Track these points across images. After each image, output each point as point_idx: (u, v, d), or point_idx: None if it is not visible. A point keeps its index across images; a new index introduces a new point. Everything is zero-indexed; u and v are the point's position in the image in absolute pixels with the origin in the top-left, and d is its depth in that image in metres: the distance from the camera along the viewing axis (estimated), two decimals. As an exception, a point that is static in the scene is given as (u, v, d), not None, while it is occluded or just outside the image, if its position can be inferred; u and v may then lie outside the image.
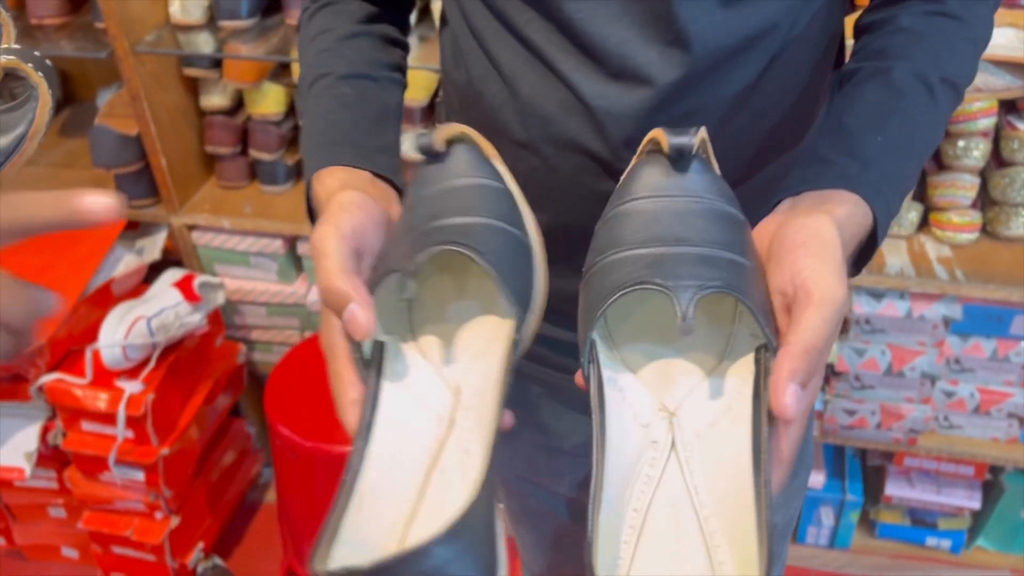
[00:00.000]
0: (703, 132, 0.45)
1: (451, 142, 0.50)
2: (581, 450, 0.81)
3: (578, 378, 0.45)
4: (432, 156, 0.49)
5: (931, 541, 1.70)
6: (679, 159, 0.44)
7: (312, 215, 0.58)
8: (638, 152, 0.47)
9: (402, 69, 0.68)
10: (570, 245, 0.63)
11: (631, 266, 0.42)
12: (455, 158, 0.49)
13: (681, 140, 0.44)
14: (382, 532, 0.39)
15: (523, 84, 0.59)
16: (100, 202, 0.39)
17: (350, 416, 0.45)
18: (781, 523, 0.82)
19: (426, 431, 0.44)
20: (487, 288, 0.49)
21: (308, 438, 1.35)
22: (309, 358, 1.50)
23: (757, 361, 0.43)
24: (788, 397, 0.39)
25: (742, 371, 0.44)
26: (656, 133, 0.45)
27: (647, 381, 0.45)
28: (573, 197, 0.60)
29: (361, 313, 0.43)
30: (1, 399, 1.45)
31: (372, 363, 0.45)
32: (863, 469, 1.73)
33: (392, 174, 0.57)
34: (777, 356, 0.40)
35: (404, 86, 0.67)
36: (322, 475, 1.38)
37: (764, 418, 0.40)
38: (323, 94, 0.61)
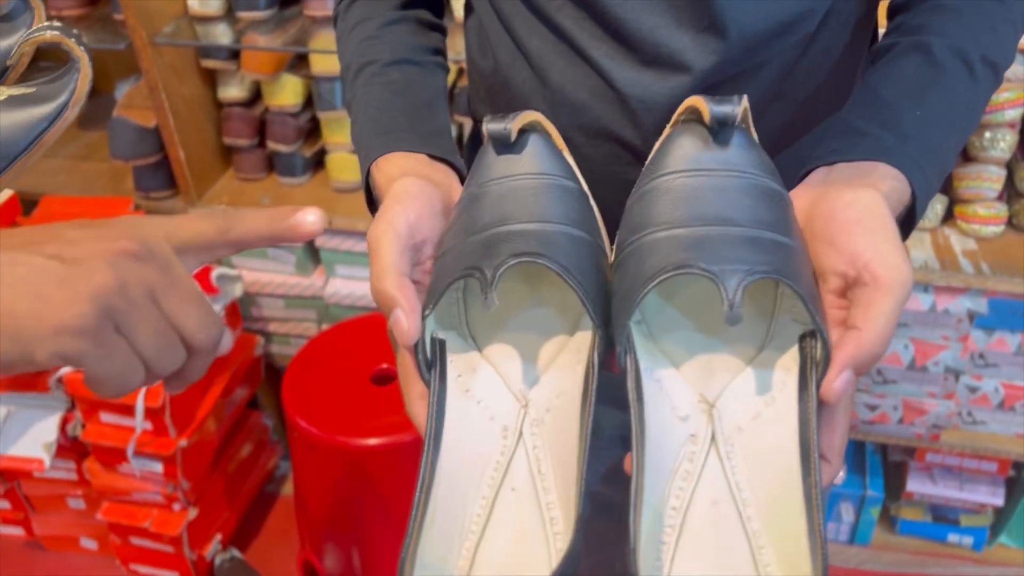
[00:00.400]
0: (745, 101, 0.42)
1: (523, 130, 0.47)
2: (606, 443, 0.80)
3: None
4: (503, 145, 0.46)
5: (953, 538, 1.68)
6: (720, 130, 0.42)
7: (372, 204, 0.57)
8: (672, 121, 0.44)
9: (442, 52, 0.68)
10: None
11: (671, 248, 0.39)
12: (529, 150, 0.46)
13: (724, 109, 0.41)
14: (453, 553, 0.38)
15: (553, 71, 0.58)
16: (311, 218, 0.42)
17: (417, 411, 0.45)
18: None
19: (493, 444, 0.43)
20: (560, 297, 0.46)
21: (326, 431, 1.35)
22: (327, 351, 1.50)
23: (802, 350, 0.41)
24: (839, 382, 0.38)
25: (786, 361, 0.42)
26: (695, 101, 0.42)
27: (685, 370, 0.43)
28: (603, 186, 0.59)
29: (405, 320, 0.42)
30: (21, 390, 1.46)
31: (433, 364, 0.44)
32: (884, 465, 1.71)
33: (451, 155, 0.56)
34: (843, 339, 0.39)
35: (447, 69, 0.67)
36: (339, 468, 1.38)
37: (812, 412, 0.38)
38: (371, 82, 0.60)
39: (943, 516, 1.67)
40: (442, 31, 0.69)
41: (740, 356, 0.44)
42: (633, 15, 0.53)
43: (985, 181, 1.34)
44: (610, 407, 0.75)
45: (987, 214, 1.36)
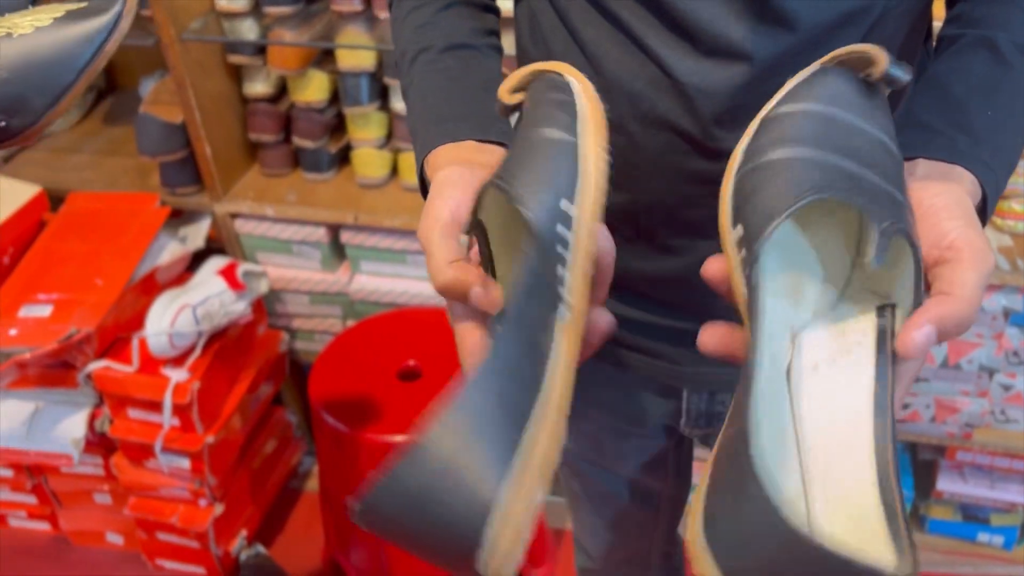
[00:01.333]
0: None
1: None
2: (649, 432, 0.80)
3: (708, 267, 0.44)
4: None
5: (983, 537, 1.66)
6: (876, 86, 0.42)
7: (425, 192, 0.57)
8: (824, 59, 0.45)
9: (496, 34, 0.67)
10: (652, 225, 0.61)
11: (825, 171, 0.39)
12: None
13: (899, 72, 0.41)
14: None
15: (609, 61, 0.57)
16: None
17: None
18: None
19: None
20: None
21: (352, 427, 1.35)
22: (353, 346, 1.49)
23: (882, 319, 0.41)
24: (920, 335, 0.38)
25: (864, 318, 0.42)
26: (872, 51, 0.42)
27: (780, 296, 0.43)
28: (659, 176, 0.59)
29: (484, 292, 0.44)
30: (50, 386, 1.46)
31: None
32: (914, 463, 1.69)
33: (507, 137, 0.56)
34: (929, 302, 0.39)
35: (502, 51, 0.66)
36: (366, 463, 1.38)
37: (891, 378, 0.39)
38: (427, 69, 0.60)
39: (973, 515, 1.65)
40: (496, 12, 0.69)
41: (825, 299, 0.44)
42: (692, 5, 0.52)
43: (1020, 177, 1.32)
44: (657, 396, 0.75)
45: (1022, 210, 1.34)
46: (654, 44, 0.55)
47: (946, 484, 1.60)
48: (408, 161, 1.53)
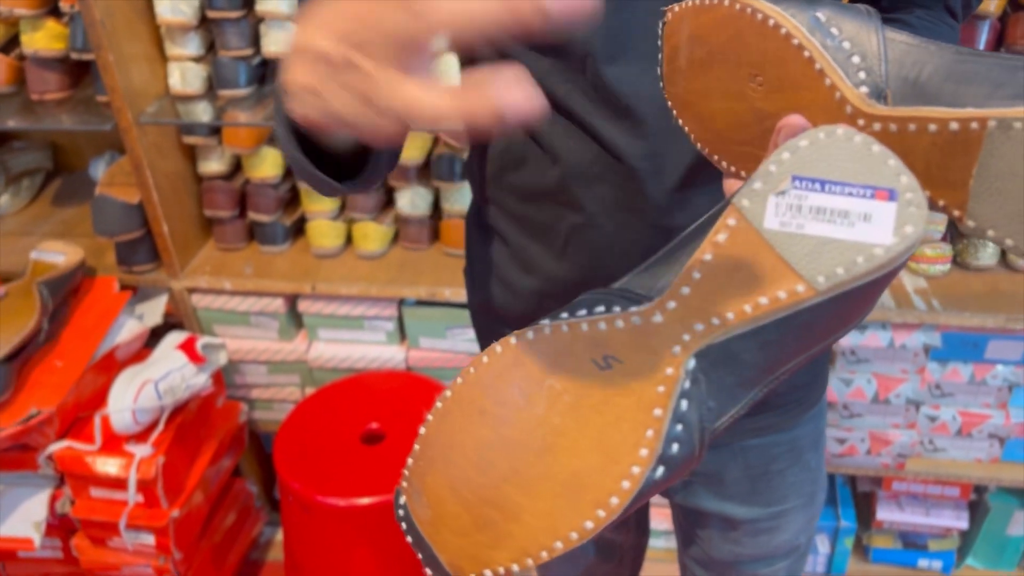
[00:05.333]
0: None
1: None
2: None
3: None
4: None
5: (923, 563, 1.76)
6: None
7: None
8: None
9: None
10: None
11: None
12: None
13: None
14: None
15: (566, 150, 0.62)
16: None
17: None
18: (803, 544, 0.87)
19: None
20: None
21: (320, 492, 1.37)
22: (316, 412, 1.53)
23: None
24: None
25: None
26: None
27: None
28: (614, 252, 0.64)
29: None
30: (9, 469, 1.45)
31: None
32: (854, 496, 1.78)
33: None
34: None
35: None
36: (334, 529, 1.40)
37: None
38: None
39: (912, 542, 1.75)
40: None
41: None
42: (639, 91, 0.58)
43: (931, 224, 1.44)
44: None
45: (934, 254, 1.46)
46: (608, 132, 0.60)
47: (885, 514, 1.70)
48: (363, 230, 1.59)
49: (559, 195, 0.65)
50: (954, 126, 0.39)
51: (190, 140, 1.54)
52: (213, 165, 1.58)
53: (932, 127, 0.39)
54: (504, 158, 0.69)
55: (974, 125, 0.38)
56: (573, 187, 0.63)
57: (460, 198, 1.55)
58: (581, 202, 0.64)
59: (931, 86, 0.41)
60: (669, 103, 0.51)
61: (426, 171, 1.56)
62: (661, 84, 0.51)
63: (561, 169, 0.64)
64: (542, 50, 0.61)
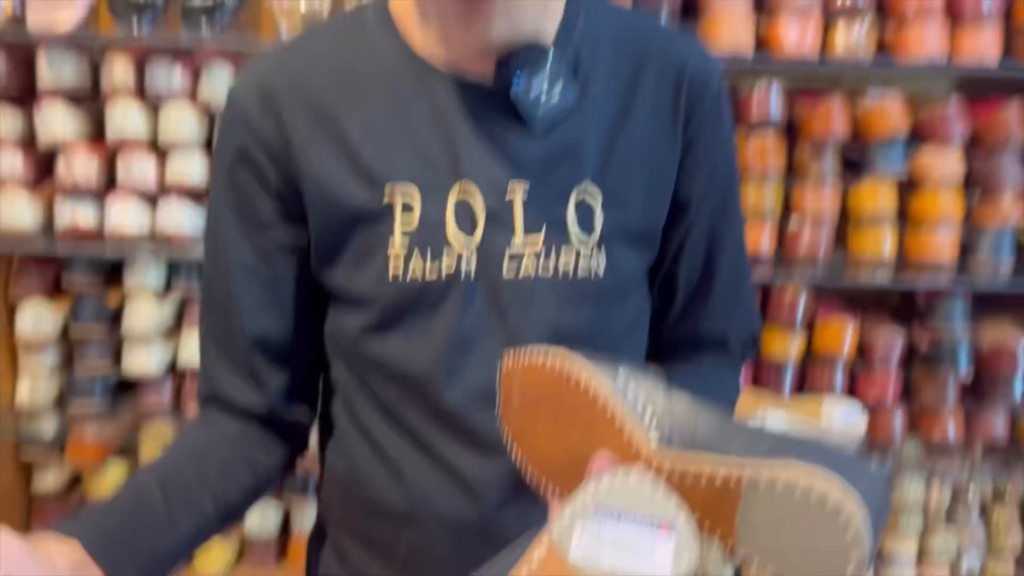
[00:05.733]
0: None
1: None
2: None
3: None
4: None
5: None
6: None
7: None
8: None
9: (255, 491, 0.71)
10: None
11: None
12: None
13: None
14: None
15: (408, 469, 0.68)
16: None
17: None
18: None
19: None
20: None
21: None
22: None
23: None
24: None
25: None
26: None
27: None
28: (448, 566, 0.68)
29: None
30: None
31: None
32: None
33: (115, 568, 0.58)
34: None
35: (224, 517, 0.68)
36: None
37: None
38: (130, 479, 0.64)
39: None
40: (290, 448, 0.74)
41: None
42: (478, 416, 0.65)
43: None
44: None
45: None
46: (447, 452, 0.66)
47: None
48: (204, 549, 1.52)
49: (401, 511, 0.69)
50: (718, 482, 0.50)
51: (28, 455, 1.47)
52: (49, 481, 1.50)
53: (703, 480, 0.50)
54: (350, 476, 0.72)
55: (732, 483, 0.49)
56: (414, 503, 0.68)
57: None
58: (421, 519, 0.68)
59: (706, 440, 0.53)
60: (504, 432, 0.61)
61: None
62: (497, 415, 0.61)
63: (406, 484, 0.68)
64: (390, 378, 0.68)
